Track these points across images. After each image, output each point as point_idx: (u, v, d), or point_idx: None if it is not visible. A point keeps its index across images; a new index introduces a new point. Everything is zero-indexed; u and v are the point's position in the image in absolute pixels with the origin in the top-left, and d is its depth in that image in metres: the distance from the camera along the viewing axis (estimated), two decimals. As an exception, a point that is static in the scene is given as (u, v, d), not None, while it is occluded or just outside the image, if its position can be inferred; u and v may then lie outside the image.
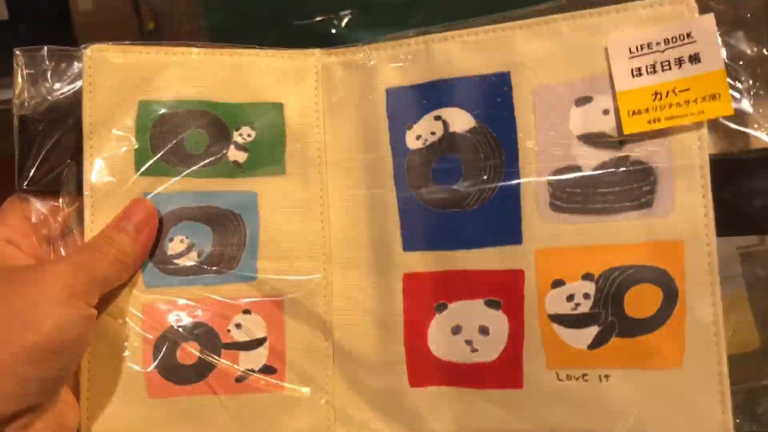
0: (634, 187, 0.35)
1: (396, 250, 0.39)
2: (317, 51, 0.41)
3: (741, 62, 0.34)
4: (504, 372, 0.37)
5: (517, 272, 0.37)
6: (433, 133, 0.39)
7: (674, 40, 0.34)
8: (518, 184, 0.37)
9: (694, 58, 0.34)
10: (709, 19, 0.34)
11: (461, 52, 0.38)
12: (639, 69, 0.35)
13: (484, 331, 0.38)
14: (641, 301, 0.35)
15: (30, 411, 0.32)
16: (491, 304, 0.38)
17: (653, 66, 0.35)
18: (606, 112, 0.36)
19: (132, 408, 0.37)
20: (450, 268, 0.38)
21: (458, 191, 0.38)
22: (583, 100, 0.36)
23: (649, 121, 0.34)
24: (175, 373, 0.38)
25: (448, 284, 0.38)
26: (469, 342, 0.38)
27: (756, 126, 0.34)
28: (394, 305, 0.39)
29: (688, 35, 0.34)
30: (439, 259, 0.39)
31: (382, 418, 0.39)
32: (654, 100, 0.34)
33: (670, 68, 0.34)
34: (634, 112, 0.35)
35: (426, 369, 0.39)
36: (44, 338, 0.31)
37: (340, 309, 0.39)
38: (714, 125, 0.35)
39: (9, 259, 0.36)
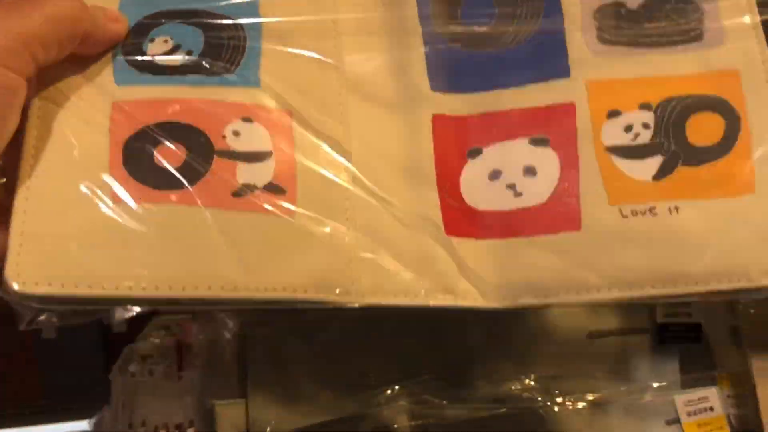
0: (681, 22, 0.34)
1: (423, 90, 0.34)
2: None
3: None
4: (557, 214, 0.32)
5: (567, 105, 0.33)
6: None
7: None
8: (561, 20, 0.34)
9: None
10: None
11: None
12: None
13: (530, 171, 0.32)
14: (703, 129, 0.32)
15: None
16: (538, 142, 0.33)
17: None
18: None
19: (89, 214, 0.27)
20: (484, 110, 0.34)
21: (493, 29, 0.34)
22: None
23: (699, -50, 0.34)
24: (152, 177, 0.28)
25: (483, 127, 0.33)
26: (511, 186, 0.32)
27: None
28: (424, 147, 0.33)
29: None
30: (471, 102, 0.34)
31: (412, 268, 0.31)
32: None
33: None
34: None
35: (461, 221, 0.32)
36: None
37: (360, 150, 0.33)
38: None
39: None
